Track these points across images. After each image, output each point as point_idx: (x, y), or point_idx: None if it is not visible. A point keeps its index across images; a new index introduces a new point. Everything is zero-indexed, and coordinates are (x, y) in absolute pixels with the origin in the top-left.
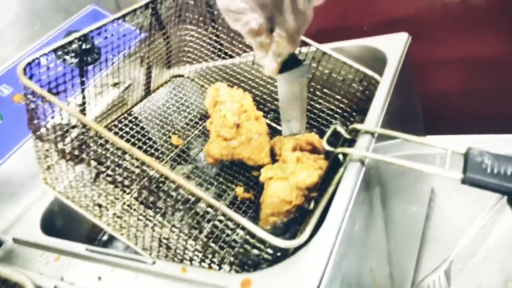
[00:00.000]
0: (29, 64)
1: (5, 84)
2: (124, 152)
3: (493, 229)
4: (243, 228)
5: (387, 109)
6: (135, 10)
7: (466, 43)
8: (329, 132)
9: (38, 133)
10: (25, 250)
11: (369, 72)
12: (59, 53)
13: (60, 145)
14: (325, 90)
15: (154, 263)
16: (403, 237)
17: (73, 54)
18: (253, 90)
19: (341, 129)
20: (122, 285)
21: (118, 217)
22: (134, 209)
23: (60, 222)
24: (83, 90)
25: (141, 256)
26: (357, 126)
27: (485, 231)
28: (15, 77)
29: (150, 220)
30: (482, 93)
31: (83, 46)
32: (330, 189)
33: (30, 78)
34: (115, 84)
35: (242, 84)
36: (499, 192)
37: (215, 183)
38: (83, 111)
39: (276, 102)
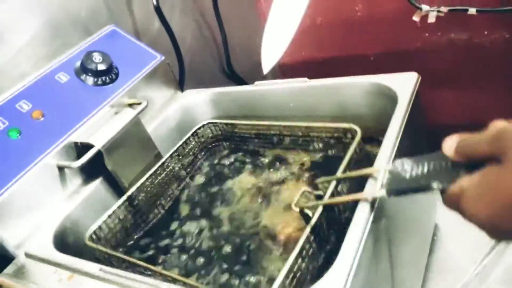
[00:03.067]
0: (94, 232)
1: (25, 100)
2: None
3: (494, 268)
4: None
5: (397, 150)
6: None
7: (469, 80)
8: (298, 196)
9: None
10: (38, 265)
11: (346, 125)
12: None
13: None
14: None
15: None
16: (407, 271)
17: None
18: None
19: (308, 189)
20: None
21: None
22: None
23: (72, 238)
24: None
25: (155, 280)
26: (317, 180)
27: (487, 270)
28: (35, 93)
29: None
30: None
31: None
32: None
33: (99, 239)
34: (130, 105)
35: None
36: (417, 192)
37: None
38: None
39: None
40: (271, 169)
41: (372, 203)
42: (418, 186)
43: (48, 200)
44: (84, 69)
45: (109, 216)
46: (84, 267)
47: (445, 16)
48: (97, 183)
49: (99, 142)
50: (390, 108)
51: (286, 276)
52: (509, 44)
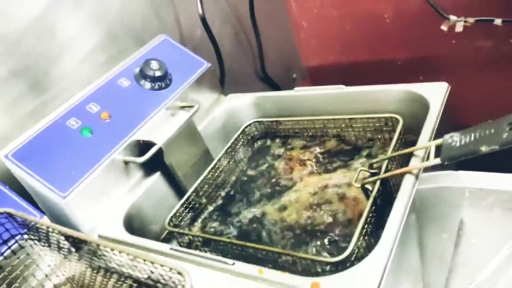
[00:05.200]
0: (171, 218)
1: (94, 102)
2: None
3: None
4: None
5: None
6: None
7: (493, 85)
8: (356, 175)
9: None
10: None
11: (387, 115)
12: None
13: None
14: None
15: (233, 264)
16: (434, 262)
17: None
18: None
19: (364, 169)
20: (205, 281)
21: None
22: None
23: (137, 224)
24: None
25: (217, 256)
26: (372, 160)
27: (509, 262)
28: (101, 97)
29: None
30: None
31: None
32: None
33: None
34: (183, 107)
35: None
36: (468, 156)
37: None
38: None
39: None
40: (319, 159)
41: (416, 175)
42: (468, 151)
43: (115, 190)
44: (143, 75)
45: (181, 205)
46: (156, 246)
47: (471, 25)
48: (156, 177)
49: (160, 140)
50: (421, 113)
51: (358, 239)
52: None
